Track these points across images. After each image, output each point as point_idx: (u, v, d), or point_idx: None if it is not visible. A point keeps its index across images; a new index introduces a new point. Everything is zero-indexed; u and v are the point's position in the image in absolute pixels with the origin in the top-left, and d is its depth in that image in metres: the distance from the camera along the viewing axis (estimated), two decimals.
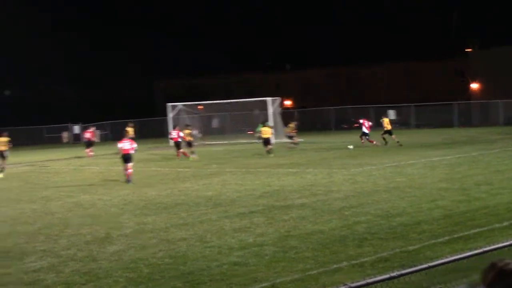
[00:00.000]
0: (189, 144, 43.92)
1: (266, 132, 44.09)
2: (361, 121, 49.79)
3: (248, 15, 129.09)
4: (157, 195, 25.16)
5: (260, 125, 51.46)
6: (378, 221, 17.08)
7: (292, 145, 49.60)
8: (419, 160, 33.38)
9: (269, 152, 42.31)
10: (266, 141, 43.65)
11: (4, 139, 38.41)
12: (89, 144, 50.84)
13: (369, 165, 32.34)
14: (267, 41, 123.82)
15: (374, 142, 46.48)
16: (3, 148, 38.12)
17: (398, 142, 45.67)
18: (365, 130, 48.54)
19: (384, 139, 47.44)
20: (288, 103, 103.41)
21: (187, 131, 44.63)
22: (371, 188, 23.73)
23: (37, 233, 18.12)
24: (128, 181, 30.15)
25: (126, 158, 30.80)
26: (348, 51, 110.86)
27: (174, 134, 44.83)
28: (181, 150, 43.28)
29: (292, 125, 50.80)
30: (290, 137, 50.70)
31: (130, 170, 30.55)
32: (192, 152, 43.10)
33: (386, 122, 49.63)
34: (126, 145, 31.17)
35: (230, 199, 22.87)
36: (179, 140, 43.64)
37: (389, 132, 48.01)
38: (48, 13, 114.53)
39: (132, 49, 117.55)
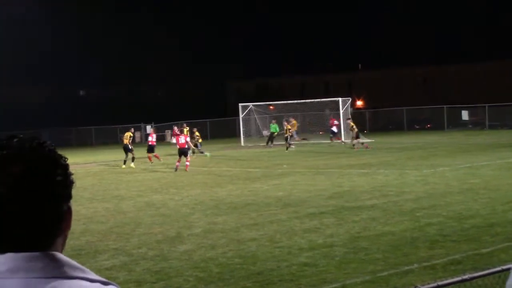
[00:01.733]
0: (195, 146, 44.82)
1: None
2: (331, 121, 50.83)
3: (321, 14, 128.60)
4: (228, 195, 25.27)
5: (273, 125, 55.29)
6: (450, 223, 16.83)
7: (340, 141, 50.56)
8: (494, 161, 32.78)
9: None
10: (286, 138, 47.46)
11: (128, 133, 42.68)
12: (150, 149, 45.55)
13: (442, 166, 31.89)
14: (340, 41, 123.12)
15: (340, 140, 47.05)
16: (126, 141, 41.87)
17: (354, 145, 45.77)
18: (334, 129, 49.46)
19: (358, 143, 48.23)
20: (359, 103, 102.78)
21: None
22: (443, 190, 23.40)
23: (110, 231, 18.38)
24: (176, 169, 35.45)
25: (181, 152, 36.07)
26: (423, 51, 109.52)
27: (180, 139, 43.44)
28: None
29: (289, 126, 51.10)
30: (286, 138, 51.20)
31: (187, 163, 35.70)
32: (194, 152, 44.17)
33: (350, 125, 50.63)
34: (181, 139, 36.64)
35: (300, 199, 22.82)
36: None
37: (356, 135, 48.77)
38: (129, 13, 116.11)
39: (206, 49, 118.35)
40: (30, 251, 1.75)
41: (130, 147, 41.20)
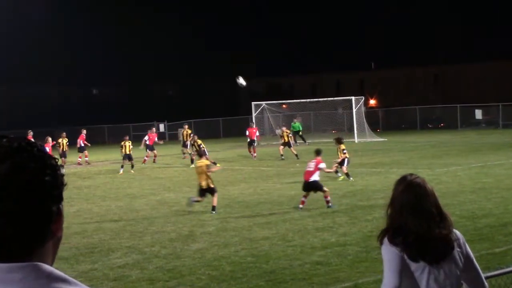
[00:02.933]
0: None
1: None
2: (248, 131, 46.75)
3: (333, 12, 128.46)
4: (240, 193, 25.29)
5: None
6: (463, 222, 16.78)
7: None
8: (507, 161, 32.65)
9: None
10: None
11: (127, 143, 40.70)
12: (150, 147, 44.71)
13: (455, 165, 31.80)
14: (351, 40, 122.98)
15: (255, 155, 43.68)
16: (128, 151, 39.87)
17: (282, 155, 41.91)
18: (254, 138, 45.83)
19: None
20: (372, 102, 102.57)
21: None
22: (456, 189, 23.34)
23: (122, 230, 18.44)
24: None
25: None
26: (435, 50, 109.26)
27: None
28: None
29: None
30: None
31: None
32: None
33: (285, 133, 45.20)
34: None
35: (313, 198, 22.76)
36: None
37: (287, 144, 43.70)
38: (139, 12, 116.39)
39: (218, 48, 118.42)
40: (12, 260, 1.69)
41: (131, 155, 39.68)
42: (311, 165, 21.16)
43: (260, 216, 19.53)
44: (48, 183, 1.77)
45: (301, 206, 20.64)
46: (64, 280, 1.72)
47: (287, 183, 28.01)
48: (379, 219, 17.90)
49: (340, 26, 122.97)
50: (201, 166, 21.47)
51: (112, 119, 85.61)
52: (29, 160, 1.76)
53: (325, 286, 11.59)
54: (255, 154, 43.62)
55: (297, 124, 56.23)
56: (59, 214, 1.82)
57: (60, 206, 1.83)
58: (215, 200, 20.88)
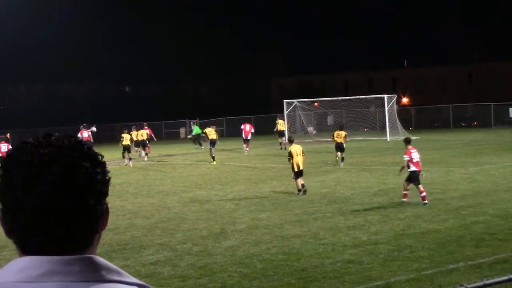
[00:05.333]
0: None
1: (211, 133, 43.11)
2: (242, 126, 50.07)
3: (366, 10, 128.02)
4: (272, 191, 25.28)
5: (196, 126, 55.38)
6: (496, 221, 16.64)
7: None
8: None
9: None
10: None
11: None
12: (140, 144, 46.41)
13: (489, 164, 31.52)
14: (385, 37, 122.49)
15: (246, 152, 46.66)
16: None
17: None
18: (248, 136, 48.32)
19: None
20: (405, 100, 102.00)
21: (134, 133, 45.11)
22: (490, 188, 23.14)
23: (154, 227, 18.51)
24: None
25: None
26: (469, 48, 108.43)
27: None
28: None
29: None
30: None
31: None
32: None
33: (280, 124, 52.65)
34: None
35: (345, 196, 22.75)
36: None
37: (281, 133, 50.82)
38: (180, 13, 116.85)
39: (251, 46, 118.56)
40: (69, 254, 1.75)
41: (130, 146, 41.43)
42: (417, 155, 20.99)
43: (292, 214, 19.51)
44: (99, 181, 1.82)
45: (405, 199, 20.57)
46: (117, 272, 1.79)
47: (318, 181, 27.95)
48: (411, 217, 17.81)
49: (373, 24, 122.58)
50: None
51: (144, 117, 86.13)
52: (81, 160, 1.79)
53: (356, 285, 11.55)
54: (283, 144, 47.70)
55: (195, 126, 57.93)
56: (106, 210, 1.87)
57: (106, 201, 1.87)
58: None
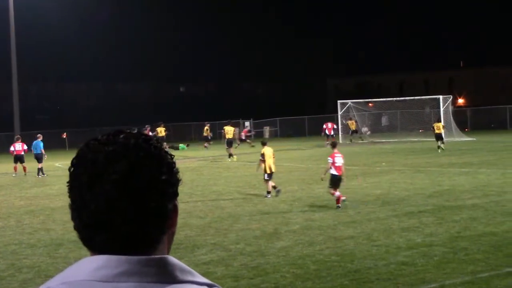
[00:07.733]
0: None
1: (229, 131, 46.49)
2: (324, 125, 57.97)
3: (422, 12, 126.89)
4: (325, 191, 25.17)
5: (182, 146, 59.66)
6: None
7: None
8: None
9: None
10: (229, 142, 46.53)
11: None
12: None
13: None
14: (442, 38, 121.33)
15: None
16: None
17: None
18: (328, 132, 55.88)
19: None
20: (461, 101, 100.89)
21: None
22: None
23: (208, 226, 18.60)
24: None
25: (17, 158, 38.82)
26: None
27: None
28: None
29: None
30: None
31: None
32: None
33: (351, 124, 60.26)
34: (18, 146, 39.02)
35: (399, 197, 22.58)
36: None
37: (355, 132, 59.01)
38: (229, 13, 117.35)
39: (309, 47, 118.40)
40: (135, 253, 1.75)
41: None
42: (341, 160, 22.24)
43: (345, 215, 19.43)
44: (164, 182, 1.80)
45: None
46: (190, 272, 1.80)
47: (372, 182, 27.79)
48: (466, 219, 17.60)
49: (429, 25, 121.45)
50: None
51: (199, 116, 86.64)
52: (145, 159, 1.78)
53: (410, 287, 11.46)
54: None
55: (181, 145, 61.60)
56: (174, 211, 1.85)
57: (176, 202, 1.86)
58: None
